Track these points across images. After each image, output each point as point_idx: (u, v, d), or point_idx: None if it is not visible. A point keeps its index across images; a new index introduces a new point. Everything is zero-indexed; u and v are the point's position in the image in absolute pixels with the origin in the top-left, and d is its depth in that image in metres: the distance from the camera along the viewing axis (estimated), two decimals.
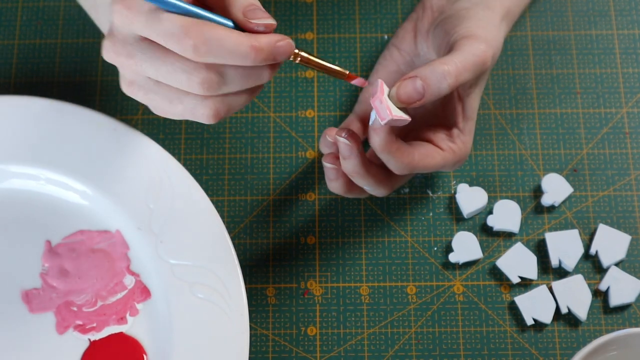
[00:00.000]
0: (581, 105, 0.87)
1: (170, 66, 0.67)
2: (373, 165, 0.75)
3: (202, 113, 0.69)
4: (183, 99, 0.68)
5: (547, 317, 0.80)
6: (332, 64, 0.72)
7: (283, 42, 0.67)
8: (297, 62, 0.71)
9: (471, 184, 0.84)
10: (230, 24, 0.67)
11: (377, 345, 0.80)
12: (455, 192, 0.84)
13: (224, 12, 0.68)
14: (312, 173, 0.85)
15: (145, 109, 0.86)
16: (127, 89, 0.70)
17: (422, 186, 0.84)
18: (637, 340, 0.73)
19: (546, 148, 0.85)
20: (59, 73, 0.88)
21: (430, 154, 0.76)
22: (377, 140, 0.73)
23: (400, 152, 0.74)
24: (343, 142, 0.73)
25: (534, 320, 0.80)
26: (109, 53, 0.68)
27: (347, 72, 0.73)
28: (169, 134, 0.86)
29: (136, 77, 0.69)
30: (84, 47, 0.88)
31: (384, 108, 0.71)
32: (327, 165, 0.76)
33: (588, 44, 0.89)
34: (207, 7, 0.69)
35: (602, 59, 0.88)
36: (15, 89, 0.87)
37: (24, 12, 0.90)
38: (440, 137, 0.77)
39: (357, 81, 0.74)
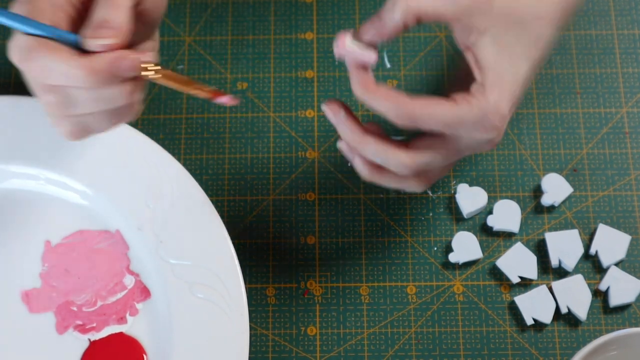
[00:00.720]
0: (581, 105, 0.87)
1: (31, 86, 0.65)
2: (372, 134, 0.69)
3: (58, 131, 0.66)
4: (47, 114, 0.66)
5: (547, 317, 0.80)
6: (194, 81, 0.67)
7: (122, 59, 0.63)
8: (153, 78, 0.65)
9: (471, 184, 0.84)
10: (73, 39, 0.64)
11: (377, 345, 0.80)
12: (455, 192, 0.84)
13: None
14: (312, 173, 0.85)
15: (145, 109, 0.86)
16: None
17: None
18: (637, 340, 0.73)
19: (546, 148, 0.85)
20: None
21: (436, 102, 0.66)
22: (352, 84, 0.67)
23: (387, 95, 0.66)
24: (324, 108, 0.69)
25: (534, 320, 0.80)
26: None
27: (211, 92, 0.67)
28: (169, 134, 0.86)
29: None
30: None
31: (340, 44, 0.67)
32: (338, 144, 0.71)
33: (588, 44, 0.89)
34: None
35: (602, 59, 0.88)
36: (15, 89, 0.87)
37: None
38: (457, 94, 0.67)
39: (225, 100, 0.68)
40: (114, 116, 0.66)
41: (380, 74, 0.88)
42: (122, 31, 0.63)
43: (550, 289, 0.81)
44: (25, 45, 0.63)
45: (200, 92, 0.67)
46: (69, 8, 0.65)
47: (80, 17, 0.65)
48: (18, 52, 0.63)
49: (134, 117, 0.68)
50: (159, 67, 0.65)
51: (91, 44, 0.63)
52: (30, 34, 0.63)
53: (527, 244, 0.82)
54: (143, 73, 0.64)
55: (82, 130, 0.67)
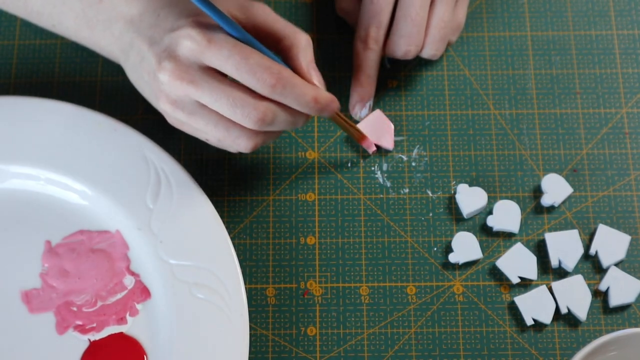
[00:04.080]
0: (581, 105, 0.87)
1: (232, 99, 0.72)
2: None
3: (242, 144, 0.75)
4: (230, 127, 0.74)
5: (547, 317, 0.80)
6: (353, 125, 0.82)
7: (335, 103, 0.76)
8: (326, 115, 0.77)
9: (471, 184, 0.84)
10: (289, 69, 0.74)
11: (377, 346, 0.80)
12: (455, 193, 0.84)
13: (282, 52, 0.76)
14: (312, 173, 0.85)
15: (145, 109, 0.86)
16: (167, 106, 0.75)
17: (422, 186, 0.84)
18: (637, 340, 0.73)
19: (546, 148, 0.85)
20: (59, 73, 0.88)
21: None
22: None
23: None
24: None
25: (534, 320, 0.80)
26: (172, 74, 0.73)
27: (363, 134, 0.83)
28: (169, 134, 0.86)
29: (185, 99, 0.74)
30: (84, 47, 0.88)
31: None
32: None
33: (588, 44, 0.89)
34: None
35: (601, 59, 0.88)
36: (15, 89, 0.87)
37: None
38: None
39: (367, 144, 0.84)
40: (278, 135, 0.78)
41: (381, 74, 0.88)
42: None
43: (550, 289, 0.81)
44: (263, 63, 0.72)
45: (355, 134, 0.83)
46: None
47: None
48: (254, 65, 0.72)
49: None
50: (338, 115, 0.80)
51: (318, 80, 0.76)
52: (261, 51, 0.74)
53: (527, 244, 0.82)
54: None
55: (262, 144, 0.76)
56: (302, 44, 0.76)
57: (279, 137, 0.83)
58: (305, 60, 0.75)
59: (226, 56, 0.72)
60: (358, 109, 0.85)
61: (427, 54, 0.84)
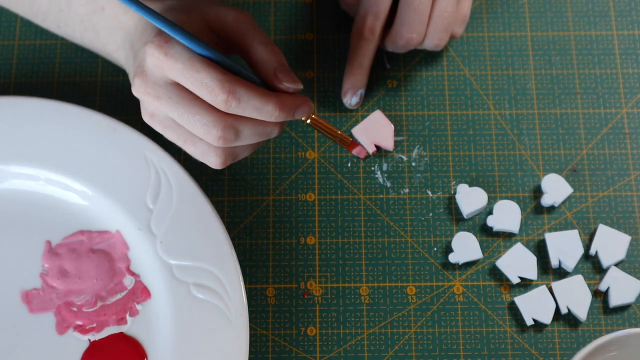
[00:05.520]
0: (581, 105, 0.87)
1: (192, 116, 0.71)
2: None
3: (211, 160, 0.74)
4: (197, 142, 0.73)
5: (547, 318, 0.80)
6: (339, 130, 0.79)
7: (305, 105, 0.73)
8: (307, 122, 0.77)
9: (471, 185, 0.84)
10: (257, 80, 0.72)
11: (377, 346, 0.80)
12: (455, 193, 0.84)
13: (250, 59, 0.73)
14: (312, 173, 0.85)
15: None
16: (147, 119, 0.74)
17: (422, 186, 0.84)
18: (637, 341, 0.73)
19: (546, 148, 0.85)
20: (59, 73, 0.88)
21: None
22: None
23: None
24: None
25: (534, 320, 0.80)
26: (139, 90, 0.72)
27: (350, 140, 0.80)
28: None
29: (158, 113, 0.73)
30: (83, 47, 0.88)
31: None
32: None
33: (588, 44, 0.89)
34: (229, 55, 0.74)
35: (601, 60, 0.88)
36: (15, 89, 0.87)
37: None
38: None
39: (357, 151, 0.81)
40: (257, 147, 0.76)
41: (380, 74, 0.88)
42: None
43: (550, 290, 0.81)
44: (216, 77, 0.69)
45: (343, 141, 0.80)
46: (210, 36, 0.74)
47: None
48: (206, 80, 0.70)
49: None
50: (315, 117, 0.78)
51: (286, 86, 0.73)
52: (220, 62, 0.71)
53: (527, 245, 0.82)
54: (309, 120, 0.77)
55: (233, 159, 0.75)
56: (267, 49, 0.73)
57: (268, 141, 0.82)
58: (270, 64, 0.73)
59: (180, 70, 0.70)
60: (349, 97, 0.85)
61: (429, 44, 0.84)
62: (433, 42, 0.84)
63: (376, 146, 0.85)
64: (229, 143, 0.72)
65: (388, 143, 0.85)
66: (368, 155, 0.85)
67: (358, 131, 0.85)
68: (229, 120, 0.71)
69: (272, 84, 0.73)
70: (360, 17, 0.84)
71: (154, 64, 0.71)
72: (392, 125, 0.85)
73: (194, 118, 0.71)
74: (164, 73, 0.71)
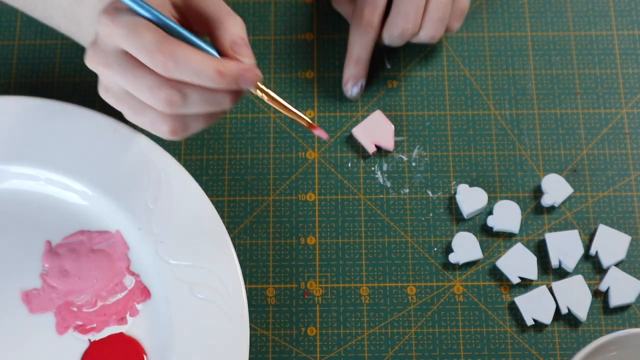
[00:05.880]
0: (581, 105, 0.87)
1: (138, 81, 0.70)
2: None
3: (160, 128, 0.72)
4: (146, 112, 0.72)
5: (547, 318, 0.80)
6: (296, 109, 0.74)
7: (249, 72, 0.70)
8: (260, 96, 0.73)
9: (471, 185, 0.84)
10: (212, 51, 0.71)
11: (377, 346, 0.80)
12: (455, 193, 0.84)
13: (212, 35, 0.72)
14: (312, 173, 0.85)
15: None
16: (102, 94, 0.74)
17: (422, 186, 0.84)
18: (637, 341, 0.73)
19: (546, 148, 0.85)
20: (59, 73, 0.88)
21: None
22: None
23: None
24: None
25: (534, 320, 0.80)
26: (91, 60, 0.72)
27: (310, 122, 0.75)
28: None
29: (112, 86, 0.73)
30: (83, 47, 0.88)
31: None
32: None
33: (588, 44, 0.89)
34: (193, 29, 0.73)
35: (602, 60, 0.88)
36: (15, 89, 0.87)
37: (24, 13, 0.90)
38: None
39: (319, 133, 0.75)
40: (209, 120, 0.73)
41: (381, 74, 0.88)
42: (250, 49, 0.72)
43: (550, 290, 0.81)
44: (156, 39, 0.68)
45: (299, 120, 0.74)
46: (172, 12, 0.72)
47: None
48: (146, 43, 0.68)
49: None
50: (268, 90, 0.73)
51: (233, 51, 0.71)
52: (167, 28, 0.70)
53: (527, 245, 0.82)
54: (257, 90, 0.73)
55: (184, 130, 0.72)
56: (228, 24, 0.72)
57: (216, 121, 0.77)
58: (228, 38, 0.71)
59: (125, 35, 0.69)
60: (349, 87, 0.86)
61: (424, 35, 0.84)
62: (429, 33, 0.84)
63: (376, 146, 0.85)
64: (176, 107, 0.70)
65: (388, 143, 0.85)
66: (329, 140, 0.84)
67: (358, 131, 0.85)
68: (174, 83, 0.70)
69: (227, 56, 0.71)
70: (359, 8, 0.84)
71: (104, 32, 0.70)
72: (392, 125, 0.85)
73: (141, 83, 0.70)
74: (112, 40, 0.70)
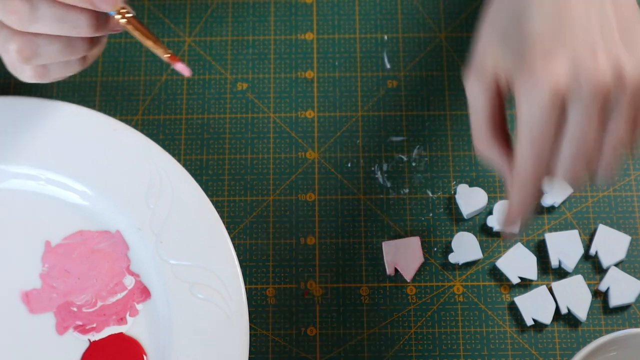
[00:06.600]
0: None
1: None
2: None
3: (10, 48, 0.69)
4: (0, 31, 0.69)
5: (547, 318, 0.80)
6: (158, 39, 0.71)
7: None
8: (123, 24, 0.69)
9: (471, 185, 0.84)
10: None
11: (377, 346, 0.80)
12: (455, 193, 0.84)
13: None
14: (312, 174, 0.85)
15: (145, 109, 0.86)
16: None
17: (422, 187, 0.84)
18: (637, 341, 0.73)
19: None
20: None
21: None
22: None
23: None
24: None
25: (534, 320, 0.80)
26: None
27: (171, 53, 0.71)
28: (169, 134, 0.86)
29: None
30: None
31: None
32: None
33: None
34: None
35: None
36: (15, 89, 0.87)
37: None
38: None
39: (181, 67, 0.71)
40: (66, 52, 0.69)
41: (381, 74, 0.88)
42: None
43: (550, 290, 0.81)
44: None
45: (161, 52, 0.71)
46: None
47: None
48: None
49: (84, 68, 0.74)
50: (131, 15, 0.69)
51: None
52: None
53: (527, 245, 0.82)
54: (117, 15, 0.69)
55: (33, 53, 0.69)
56: None
57: (80, 67, 0.74)
58: None
59: None
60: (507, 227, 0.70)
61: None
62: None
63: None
64: (24, 21, 0.67)
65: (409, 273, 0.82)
66: (192, 77, 0.79)
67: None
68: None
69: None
70: (522, 161, 0.65)
71: None
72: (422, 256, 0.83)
73: None
74: None
